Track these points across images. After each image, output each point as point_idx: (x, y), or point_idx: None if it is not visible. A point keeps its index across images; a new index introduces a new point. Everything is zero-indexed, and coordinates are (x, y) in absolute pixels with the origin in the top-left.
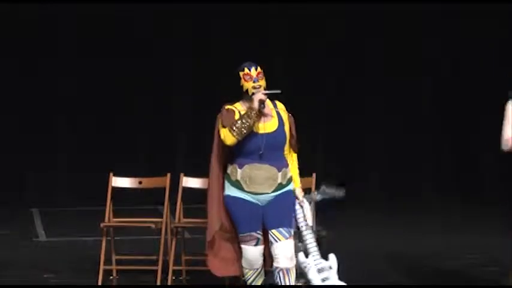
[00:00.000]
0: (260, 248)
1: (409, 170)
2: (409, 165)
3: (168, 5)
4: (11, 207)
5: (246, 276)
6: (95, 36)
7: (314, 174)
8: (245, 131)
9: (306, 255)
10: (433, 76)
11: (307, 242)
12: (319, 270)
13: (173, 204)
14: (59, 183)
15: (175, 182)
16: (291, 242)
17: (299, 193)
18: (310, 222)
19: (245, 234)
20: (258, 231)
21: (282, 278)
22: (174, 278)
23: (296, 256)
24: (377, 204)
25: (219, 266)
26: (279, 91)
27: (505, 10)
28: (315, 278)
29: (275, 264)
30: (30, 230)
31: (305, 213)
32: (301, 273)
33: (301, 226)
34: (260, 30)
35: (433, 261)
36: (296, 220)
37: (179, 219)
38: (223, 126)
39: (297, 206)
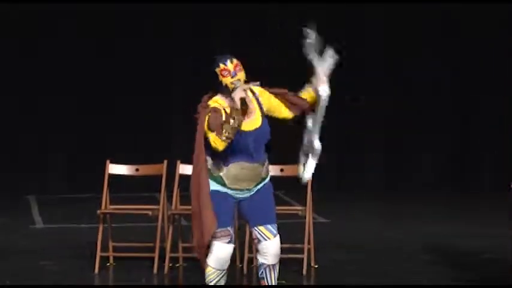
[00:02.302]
0: (232, 247)
1: (409, 160)
2: (408, 155)
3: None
4: (7, 194)
5: (210, 278)
6: (93, 26)
7: None
8: (233, 133)
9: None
10: (432, 74)
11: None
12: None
13: (170, 191)
14: (55, 169)
15: (172, 169)
16: (278, 239)
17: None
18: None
19: (221, 229)
20: (232, 227)
21: (268, 273)
22: (171, 265)
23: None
24: (376, 194)
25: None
26: (257, 83)
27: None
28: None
29: (262, 261)
30: (27, 217)
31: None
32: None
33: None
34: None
35: (432, 250)
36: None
37: (176, 206)
38: (211, 130)
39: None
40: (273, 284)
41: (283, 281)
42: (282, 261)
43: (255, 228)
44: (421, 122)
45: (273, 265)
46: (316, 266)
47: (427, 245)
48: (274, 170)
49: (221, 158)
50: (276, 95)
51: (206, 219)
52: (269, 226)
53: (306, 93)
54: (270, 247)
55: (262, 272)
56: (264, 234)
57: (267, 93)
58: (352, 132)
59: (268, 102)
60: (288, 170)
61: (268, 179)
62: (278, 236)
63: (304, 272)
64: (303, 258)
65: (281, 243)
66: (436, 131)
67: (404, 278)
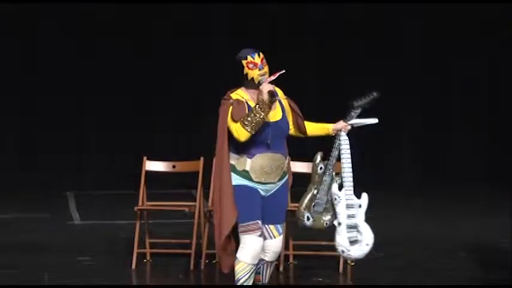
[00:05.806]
0: (262, 240)
1: (445, 155)
2: (444, 151)
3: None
4: (46, 191)
5: (241, 274)
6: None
7: None
8: (258, 125)
9: (340, 188)
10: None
11: (345, 175)
12: (348, 206)
13: (206, 188)
14: (93, 167)
15: (209, 166)
16: (282, 238)
17: (342, 124)
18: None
19: (252, 222)
20: (261, 221)
21: (265, 270)
22: (207, 261)
23: (330, 187)
24: (413, 191)
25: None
26: (283, 71)
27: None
28: (342, 213)
29: (261, 256)
30: (65, 213)
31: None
32: (326, 208)
33: (343, 158)
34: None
35: (469, 247)
36: (339, 150)
37: (213, 203)
38: (234, 121)
39: (343, 136)
40: (266, 280)
41: (320, 279)
42: (318, 258)
43: (266, 225)
44: (456, 120)
45: (271, 262)
46: (353, 264)
47: (465, 242)
48: (308, 167)
49: (244, 151)
50: (292, 110)
51: (227, 211)
52: (278, 226)
53: (311, 126)
54: (273, 245)
55: (259, 267)
56: (272, 233)
57: (287, 101)
58: (385, 129)
59: (287, 109)
60: None
61: (287, 175)
62: (282, 235)
63: (341, 269)
64: (339, 255)
65: (317, 240)
66: (471, 129)
67: (441, 276)
